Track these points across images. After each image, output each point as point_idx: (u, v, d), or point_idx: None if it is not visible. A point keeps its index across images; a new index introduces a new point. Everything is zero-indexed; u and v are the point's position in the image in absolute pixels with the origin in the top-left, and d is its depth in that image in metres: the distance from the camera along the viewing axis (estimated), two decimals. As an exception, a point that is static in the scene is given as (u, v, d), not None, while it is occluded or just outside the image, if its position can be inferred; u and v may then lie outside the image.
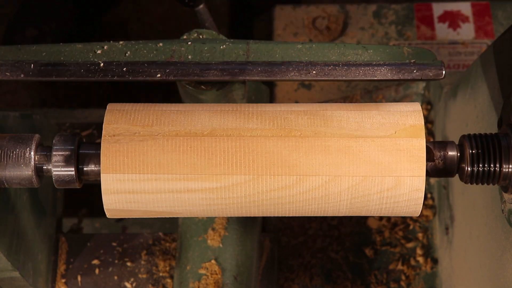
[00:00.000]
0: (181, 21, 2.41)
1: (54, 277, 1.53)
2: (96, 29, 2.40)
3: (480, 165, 1.06)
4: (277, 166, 1.04)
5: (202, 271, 1.41)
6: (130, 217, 1.09)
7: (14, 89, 2.33)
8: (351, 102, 1.74)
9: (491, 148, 1.06)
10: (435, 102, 1.67)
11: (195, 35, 1.20)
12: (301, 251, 1.64)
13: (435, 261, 1.62)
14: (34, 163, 1.06)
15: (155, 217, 1.10)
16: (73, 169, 1.06)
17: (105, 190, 1.04)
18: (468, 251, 1.40)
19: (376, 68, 1.13)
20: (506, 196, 1.09)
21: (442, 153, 1.07)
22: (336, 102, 1.73)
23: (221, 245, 1.42)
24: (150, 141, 1.04)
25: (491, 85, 1.24)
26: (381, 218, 1.66)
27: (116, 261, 1.55)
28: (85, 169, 1.07)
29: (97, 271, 1.54)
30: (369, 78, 1.13)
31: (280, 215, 1.09)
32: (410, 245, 1.63)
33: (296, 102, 1.75)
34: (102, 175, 1.04)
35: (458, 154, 1.07)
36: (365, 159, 1.04)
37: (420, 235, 1.64)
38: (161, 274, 1.53)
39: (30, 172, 1.06)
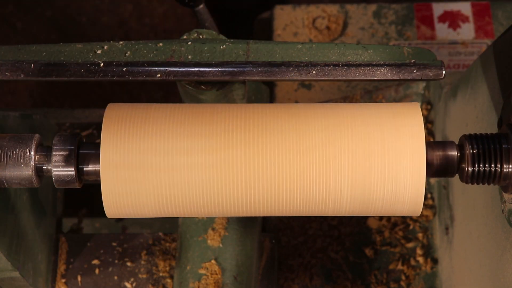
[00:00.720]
0: (181, 21, 2.41)
1: (54, 277, 1.53)
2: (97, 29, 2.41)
3: (480, 165, 1.06)
4: (273, 133, 1.03)
5: (202, 271, 1.41)
6: (130, 217, 1.09)
7: (14, 89, 2.33)
8: (351, 102, 1.73)
9: (491, 148, 1.06)
10: (435, 102, 1.67)
11: (195, 35, 1.20)
12: (301, 251, 1.63)
13: (435, 261, 1.62)
14: (34, 163, 1.06)
15: (155, 217, 1.10)
16: (73, 169, 1.06)
17: (105, 190, 1.04)
18: (468, 251, 1.40)
19: (376, 68, 1.13)
20: (506, 196, 1.09)
21: (442, 153, 1.07)
22: (336, 102, 1.73)
23: (221, 245, 1.42)
24: (150, 139, 1.04)
25: (491, 85, 1.24)
26: (381, 218, 1.65)
27: (116, 261, 1.54)
28: (85, 169, 1.07)
29: (97, 271, 1.54)
30: (369, 78, 1.13)
31: (277, 198, 1.07)
32: (410, 245, 1.63)
33: (296, 102, 1.75)
34: (102, 173, 1.04)
35: (458, 154, 1.07)
36: (365, 159, 1.04)
37: (420, 235, 1.64)
38: (161, 274, 1.53)
39: (30, 172, 1.06)
